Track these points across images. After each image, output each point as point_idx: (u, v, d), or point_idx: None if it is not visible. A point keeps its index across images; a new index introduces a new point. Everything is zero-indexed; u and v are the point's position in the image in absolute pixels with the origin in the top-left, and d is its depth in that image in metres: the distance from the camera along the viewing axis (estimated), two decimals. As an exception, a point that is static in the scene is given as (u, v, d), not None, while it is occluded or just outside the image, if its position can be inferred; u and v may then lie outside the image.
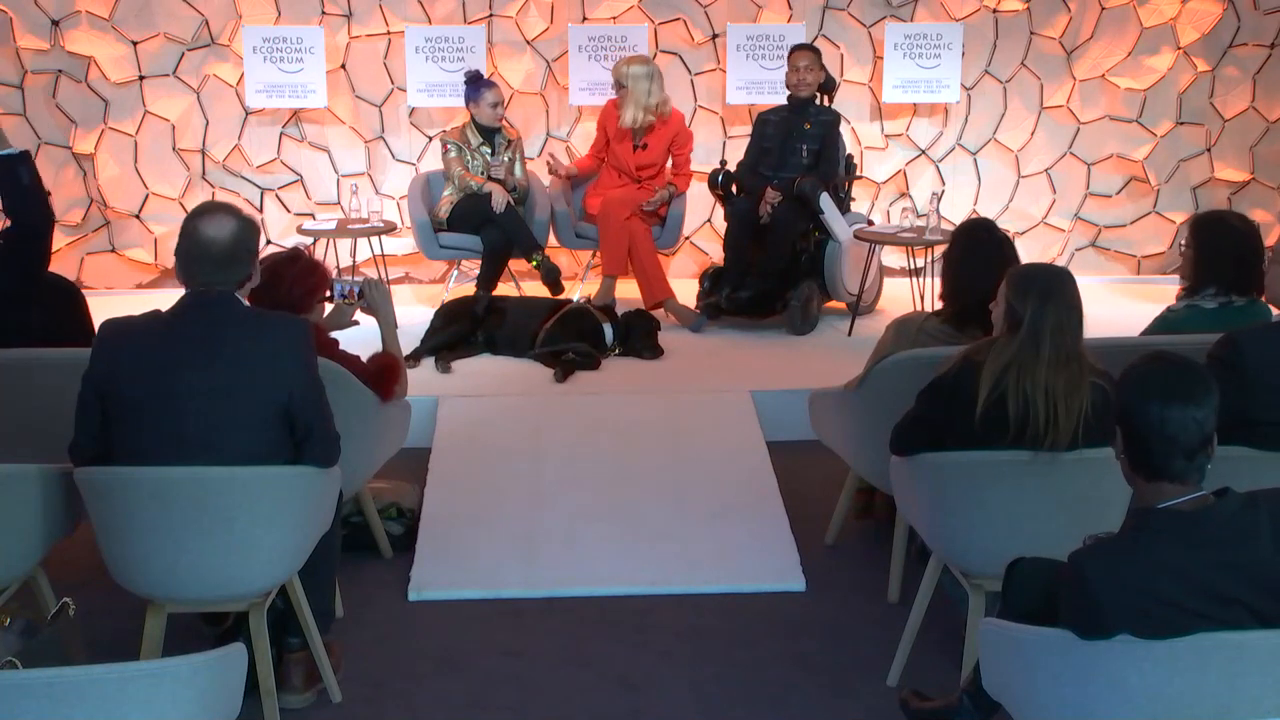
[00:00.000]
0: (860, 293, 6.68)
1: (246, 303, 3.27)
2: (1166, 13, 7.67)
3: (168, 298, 3.35)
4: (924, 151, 7.83)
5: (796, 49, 6.69)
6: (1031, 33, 7.70)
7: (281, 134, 7.57)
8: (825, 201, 6.53)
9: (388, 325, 4.11)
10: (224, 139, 7.52)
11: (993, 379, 3.19)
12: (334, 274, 4.75)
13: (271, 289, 3.62)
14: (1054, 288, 3.23)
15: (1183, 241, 4.15)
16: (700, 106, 7.70)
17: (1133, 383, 2.47)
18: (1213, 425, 2.43)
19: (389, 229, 6.99)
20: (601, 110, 7.09)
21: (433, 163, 7.35)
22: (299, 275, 3.80)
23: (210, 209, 3.26)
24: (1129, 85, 7.74)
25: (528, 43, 7.58)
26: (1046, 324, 3.18)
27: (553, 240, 7.15)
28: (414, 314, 6.82)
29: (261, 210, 7.55)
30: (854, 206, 7.12)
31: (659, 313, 6.66)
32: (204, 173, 7.53)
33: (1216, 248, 3.99)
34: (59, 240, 7.52)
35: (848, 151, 6.89)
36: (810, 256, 6.66)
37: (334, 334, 4.02)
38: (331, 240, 7.06)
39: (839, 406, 4.24)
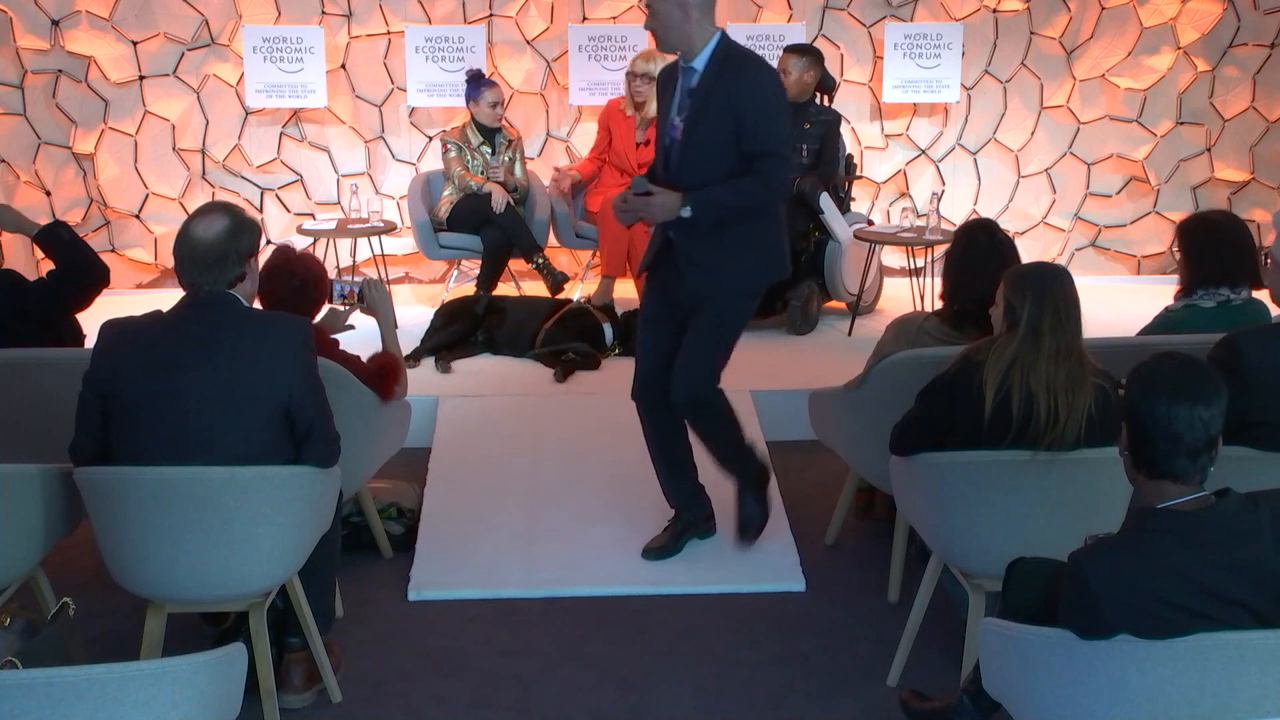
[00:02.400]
0: (860, 293, 6.68)
1: (246, 303, 3.27)
2: (1166, 13, 7.68)
3: (168, 298, 3.35)
4: (924, 151, 7.83)
5: (784, 51, 6.68)
6: (1031, 33, 7.70)
7: (281, 134, 7.57)
8: (825, 201, 6.53)
9: (388, 325, 4.11)
10: (224, 139, 7.52)
11: (997, 378, 3.20)
12: (334, 274, 4.75)
13: (298, 294, 3.62)
14: (1050, 285, 3.24)
15: (1174, 249, 4.16)
16: (700, 106, 7.69)
17: (1141, 380, 2.47)
18: (1219, 427, 2.43)
19: (389, 229, 6.99)
20: (602, 110, 7.08)
21: (433, 163, 7.36)
22: (314, 282, 3.82)
23: (206, 209, 3.26)
24: (1129, 85, 7.74)
25: (528, 43, 7.58)
26: (1044, 321, 3.19)
27: (553, 240, 7.16)
28: (414, 314, 6.82)
29: (261, 210, 7.55)
30: (854, 206, 7.12)
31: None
32: (204, 173, 7.53)
33: (1203, 247, 4.01)
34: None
35: (848, 151, 6.89)
36: (810, 256, 6.66)
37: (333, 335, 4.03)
38: (331, 240, 7.06)
39: (839, 406, 4.24)
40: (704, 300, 4.01)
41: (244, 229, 3.20)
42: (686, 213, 3.83)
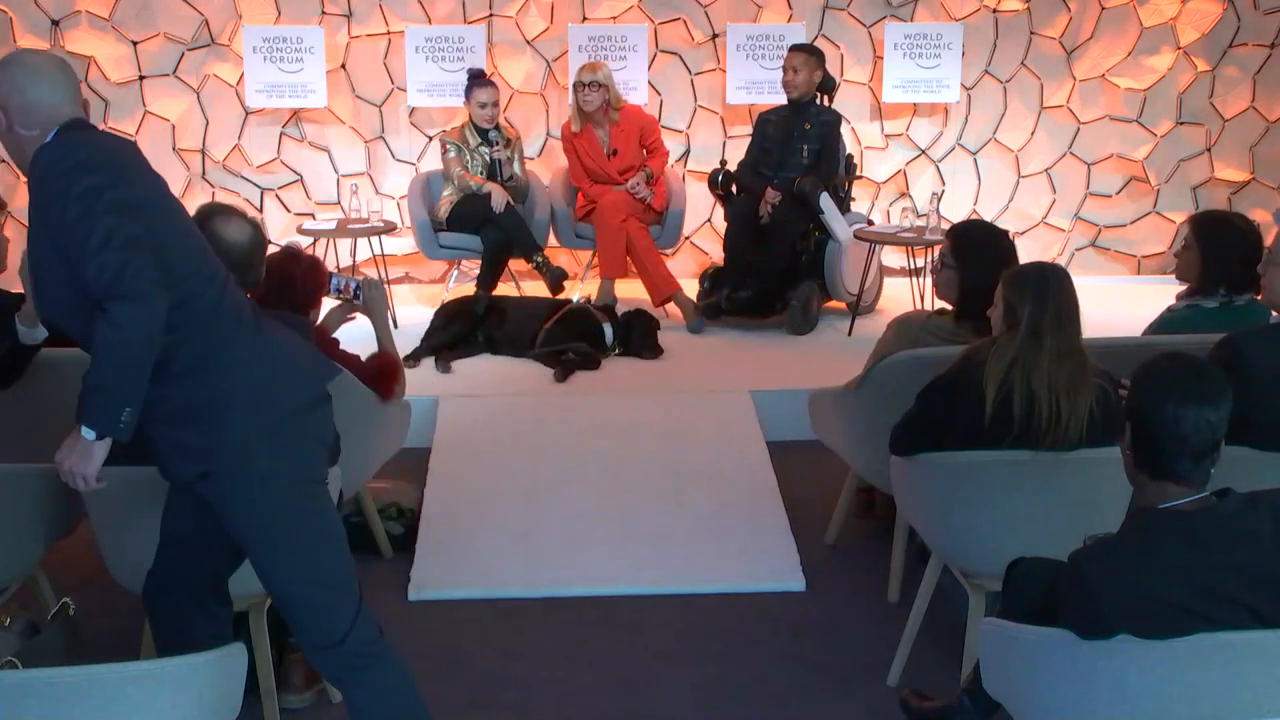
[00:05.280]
0: (860, 293, 6.68)
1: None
2: (1166, 13, 7.68)
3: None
4: (924, 151, 7.83)
5: (789, 50, 6.69)
6: (1031, 33, 7.70)
7: (281, 134, 7.57)
8: (825, 201, 6.53)
9: (384, 326, 4.10)
10: (224, 139, 7.52)
11: (998, 378, 3.20)
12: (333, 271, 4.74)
13: (286, 289, 3.62)
14: (1050, 284, 3.25)
15: (1182, 241, 4.15)
16: (700, 106, 7.70)
17: (1150, 380, 2.47)
18: (1224, 430, 2.43)
19: (389, 229, 6.99)
20: (562, 139, 7.05)
21: (433, 163, 7.36)
22: (307, 273, 3.80)
23: (223, 211, 3.28)
24: (1129, 85, 7.74)
25: (528, 43, 7.58)
26: (1046, 320, 3.19)
27: (553, 240, 7.16)
28: (414, 314, 6.82)
29: (261, 210, 7.55)
30: (854, 206, 7.12)
31: (665, 307, 6.69)
32: (204, 173, 7.53)
33: (1222, 248, 3.99)
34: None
35: (848, 151, 6.89)
36: (810, 256, 6.66)
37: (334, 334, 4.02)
38: (331, 240, 7.06)
39: (839, 406, 4.24)
40: (198, 481, 2.71)
41: (262, 231, 3.27)
42: (90, 435, 2.49)
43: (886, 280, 7.24)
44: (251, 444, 2.67)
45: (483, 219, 6.69)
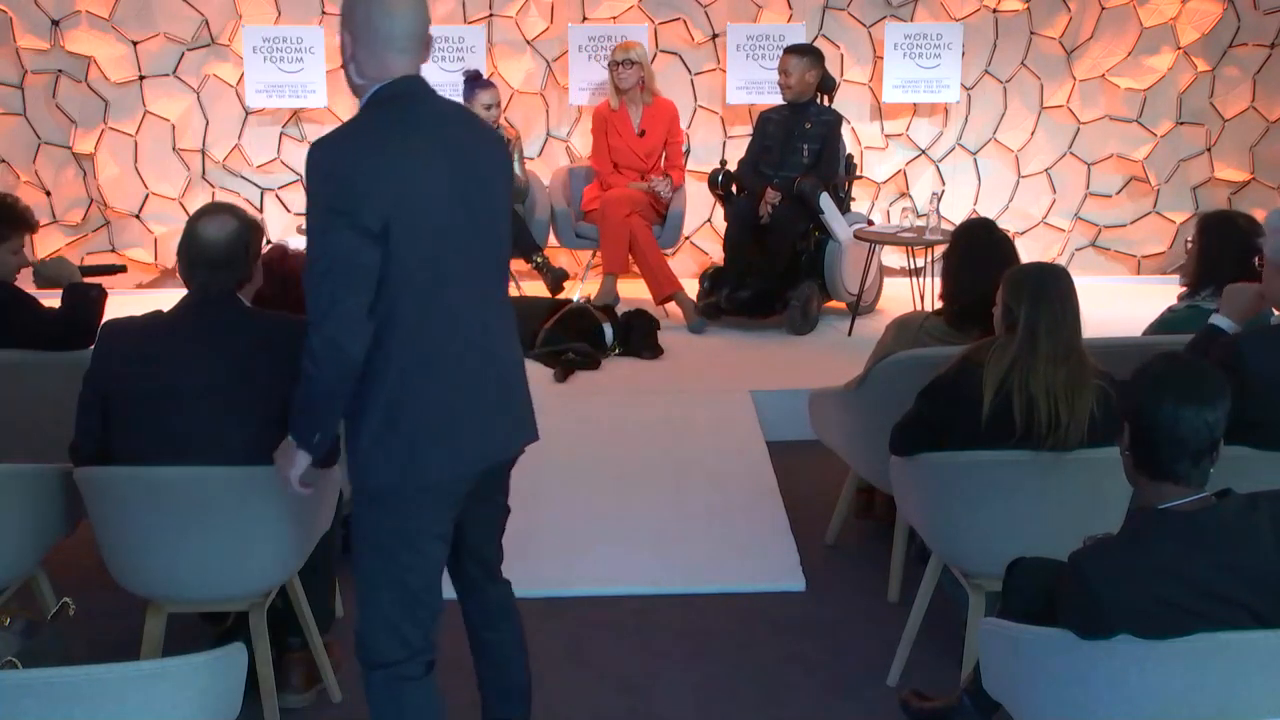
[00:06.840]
0: (860, 293, 6.68)
1: (247, 303, 3.27)
2: (1166, 13, 7.68)
3: (168, 298, 3.35)
4: (924, 151, 7.83)
5: (784, 52, 6.70)
6: (1031, 33, 7.70)
7: (281, 134, 7.57)
8: (825, 201, 6.53)
9: None
10: (224, 139, 7.52)
11: (996, 380, 3.19)
12: None
13: (288, 288, 3.61)
14: (1046, 286, 3.24)
15: (1188, 240, 4.15)
16: (700, 106, 7.70)
17: (1148, 381, 2.47)
18: (1222, 430, 2.43)
19: (389, 229, 6.98)
20: (594, 118, 7.07)
21: (433, 163, 7.35)
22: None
23: (212, 210, 3.27)
24: (1129, 85, 7.74)
25: (528, 43, 7.57)
26: (1041, 322, 3.19)
27: (553, 240, 7.15)
28: (414, 314, 6.81)
29: (261, 210, 7.55)
30: (854, 206, 7.12)
31: (666, 306, 6.69)
32: (204, 173, 7.53)
33: (1221, 247, 3.99)
34: (58, 240, 7.53)
35: (848, 151, 6.89)
36: (810, 256, 6.66)
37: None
38: (331, 240, 7.05)
39: (839, 406, 4.24)
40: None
41: (251, 229, 3.24)
42: (294, 441, 2.70)
43: (886, 280, 7.24)
44: (385, 494, 2.72)
45: (482, 219, 6.68)
